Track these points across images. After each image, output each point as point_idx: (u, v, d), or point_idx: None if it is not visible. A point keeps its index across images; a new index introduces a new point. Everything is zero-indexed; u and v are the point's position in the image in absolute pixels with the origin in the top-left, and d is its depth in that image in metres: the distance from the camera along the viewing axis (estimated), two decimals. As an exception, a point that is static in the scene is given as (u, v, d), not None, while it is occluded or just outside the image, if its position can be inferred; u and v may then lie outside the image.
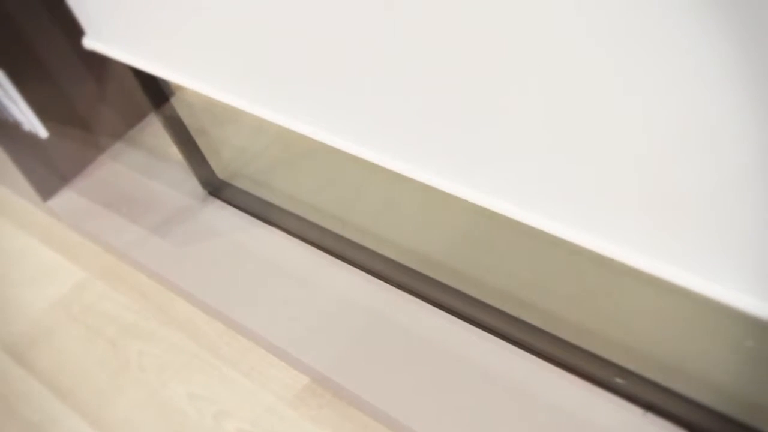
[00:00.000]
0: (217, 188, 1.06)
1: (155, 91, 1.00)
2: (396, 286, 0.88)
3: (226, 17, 0.68)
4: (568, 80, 0.47)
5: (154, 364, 0.95)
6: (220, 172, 1.07)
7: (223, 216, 1.04)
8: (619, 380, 0.71)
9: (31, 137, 1.11)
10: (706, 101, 0.41)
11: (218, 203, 1.06)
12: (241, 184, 1.06)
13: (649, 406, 0.70)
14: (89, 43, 0.93)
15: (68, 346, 1.01)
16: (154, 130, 1.22)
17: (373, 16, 0.55)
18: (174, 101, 1.04)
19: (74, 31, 0.92)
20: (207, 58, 0.77)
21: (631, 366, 0.71)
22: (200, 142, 1.05)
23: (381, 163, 0.66)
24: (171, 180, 1.12)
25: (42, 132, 1.05)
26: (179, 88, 1.02)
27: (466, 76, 0.53)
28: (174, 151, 1.08)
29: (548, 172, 0.54)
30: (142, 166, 1.17)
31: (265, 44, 0.67)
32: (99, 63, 1.14)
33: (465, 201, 0.62)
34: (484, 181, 0.59)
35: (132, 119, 1.23)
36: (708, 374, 0.70)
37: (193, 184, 1.09)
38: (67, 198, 1.16)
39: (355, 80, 0.62)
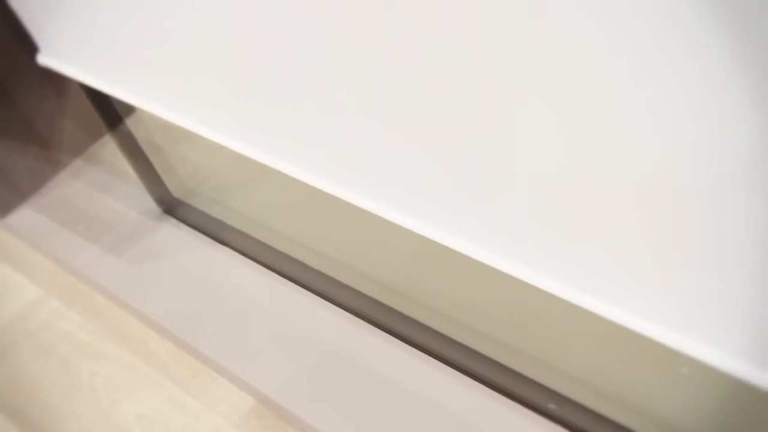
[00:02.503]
0: (172, 206, 1.07)
1: (109, 110, 1.00)
2: (350, 312, 0.89)
3: (184, 39, 0.68)
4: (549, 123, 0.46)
5: (106, 384, 0.95)
6: (175, 190, 1.07)
7: (176, 235, 1.04)
8: (552, 406, 0.71)
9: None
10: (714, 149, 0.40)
11: (173, 222, 1.06)
12: (196, 202, 1.06)
13: (581, 432, 0.71)
14: (43, 59, 0.93)
15: (21, 364, 1.01)
16: (115, 145, 1.22)
17: (324, 43, 0.55)
18: (132, 117, 1.04)
19: (31, 45, 0.92)
20: (163, 79, 0.77)
21: (564, 391, 0.72)
22: (156, 159, 1.05)
23: (335, 194, 0.67)
24: (128, 197, 1.12)
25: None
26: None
27: (445, 105, 0.51)
28: (135, 167, 1.08)
29: (525, 219, 0.52)
30: (100, 182, 1.17)
31: (222, 69, 0.67)
32: (58, 78, 1.14)
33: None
34: (444, 219, 0.59)
35: (93, 135, 1.23)
36: (641, 401, 0.71)
37: (149, 201, 1.09)
38: (24, 215, 1.16)
39: (311, 111, 0.62)
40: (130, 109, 1.03)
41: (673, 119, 0.40)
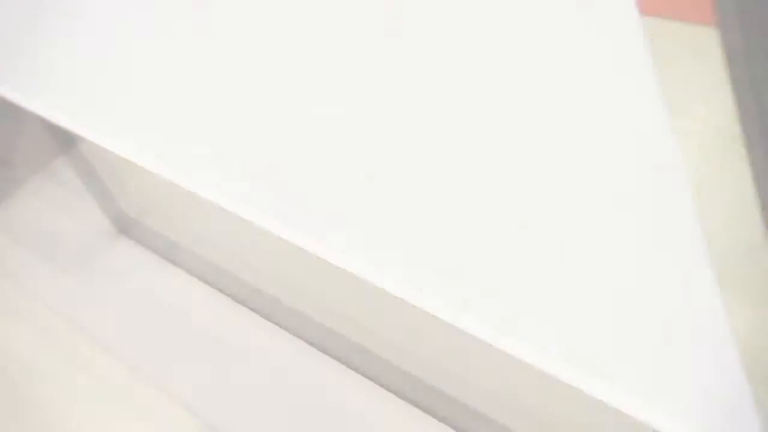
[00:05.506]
0: (126, 226, 1.06)
1: (62, 131, 1.00)
2: (302, 339, 0.88)
3: (129, 67, 0.67)
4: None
5: (54, 405, 0.94)
6: (130, 209, 1.07)
7: (130, 255, 1.03)
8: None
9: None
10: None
11: (127, 241, 1.05)
12: (150, 222, 1.05)
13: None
14: (-12, 84, 0.93)
15: (-28, 386, 1.00)
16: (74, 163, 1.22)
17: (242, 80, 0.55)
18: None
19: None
20: (110, 109, 0.76)
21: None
22: (111, 180, 1.05)
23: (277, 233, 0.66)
24: (84, 216, 1.11)
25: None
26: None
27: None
28: (90, 186, 1.07)
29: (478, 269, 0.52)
30: (57, 201, 1.16)
31: (161, 99, 0.67)
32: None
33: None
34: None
35: (52, 153, 1.23)
36: None
37: (104, 221, 1.08)
38: (-19, 233, 1.15)
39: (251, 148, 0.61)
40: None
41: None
